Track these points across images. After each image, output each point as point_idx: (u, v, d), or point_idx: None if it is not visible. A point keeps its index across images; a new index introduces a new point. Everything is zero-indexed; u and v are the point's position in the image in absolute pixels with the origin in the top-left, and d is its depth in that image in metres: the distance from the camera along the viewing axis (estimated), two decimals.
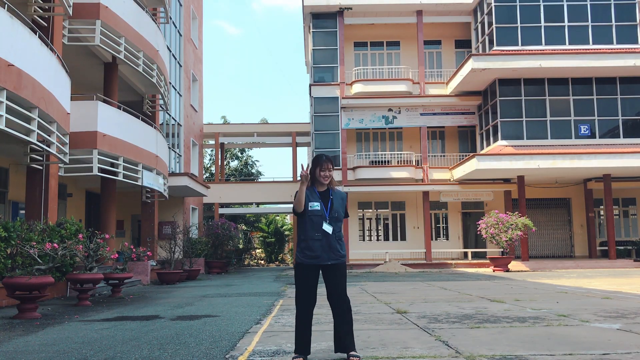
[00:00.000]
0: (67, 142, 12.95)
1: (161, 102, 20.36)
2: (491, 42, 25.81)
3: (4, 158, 15.03)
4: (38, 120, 10.85)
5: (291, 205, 5.29)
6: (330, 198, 5.01)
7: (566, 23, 25.45)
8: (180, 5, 25.38)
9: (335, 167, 5.10)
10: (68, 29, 14.31)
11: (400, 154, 28.43)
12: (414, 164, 27.74)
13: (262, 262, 40.33)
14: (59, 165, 13.45)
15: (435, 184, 26.83)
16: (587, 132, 24.69)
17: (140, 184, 17.04)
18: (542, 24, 25.49)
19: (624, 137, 24.58)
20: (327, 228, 4.91)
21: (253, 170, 47.51)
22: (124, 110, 16.61)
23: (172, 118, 24.04)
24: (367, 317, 7.88)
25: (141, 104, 20.04)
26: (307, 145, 35.51)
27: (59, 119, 12.04)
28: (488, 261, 23.08)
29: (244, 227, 41.99)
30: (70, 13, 12.99)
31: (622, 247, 25.53)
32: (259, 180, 45.12)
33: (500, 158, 23.48)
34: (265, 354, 5.19)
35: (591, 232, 26.57)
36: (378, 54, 29.64)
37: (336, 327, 4.95)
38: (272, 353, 5.25)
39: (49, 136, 11.58)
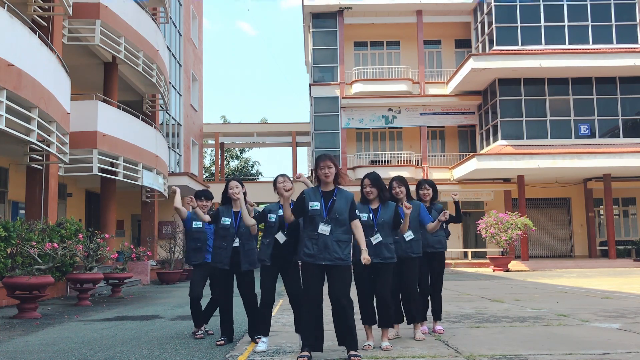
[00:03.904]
0: (67, 141, 12.95)
1: (161, 101, 20.36)
2: (491, 42, 25.80)
3: (4, 158, 15.02)
4: (38, 120, 10.85)
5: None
6: (334, 198, 4.94)
7: (566, 23, 25.45)
8: (180, 5, 25.37)
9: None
10: (68, 29, 14.30)
11: (400, 154, 28.42)
12: (414, 163, 27.73)
13: None
14: (59, 165, 13.45)
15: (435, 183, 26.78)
16: (587, 131, 24.68)
17: (140, 183, 17.05)
18: (542, 23, 25.49)
19: (623, 137, 24.58)
20: (323, 229, 4.85)
21: (253, 170, 47.49)
22: (124, 110, 16.61)
23: (172, 118, 24.03)
24: None
25: (141, 104, 20.04)
26: (307, 145, 35.51)
27: (59, 118, 12.04)
28: (488, 261, 23.07)
29: None
30: (70, 13, 12.98)
31: (622, 247, 25.51)
32: (259, 180, 45.12)
33: (500, 158, 23.48)
34: (265, 354, 5.19)
35: (591, 232, 26.56)
36: (378, 53, 29.63)
37: (335, 326, 5.00)
38: (272, 353, 5.25)
39: (49, 136, 11.58)
